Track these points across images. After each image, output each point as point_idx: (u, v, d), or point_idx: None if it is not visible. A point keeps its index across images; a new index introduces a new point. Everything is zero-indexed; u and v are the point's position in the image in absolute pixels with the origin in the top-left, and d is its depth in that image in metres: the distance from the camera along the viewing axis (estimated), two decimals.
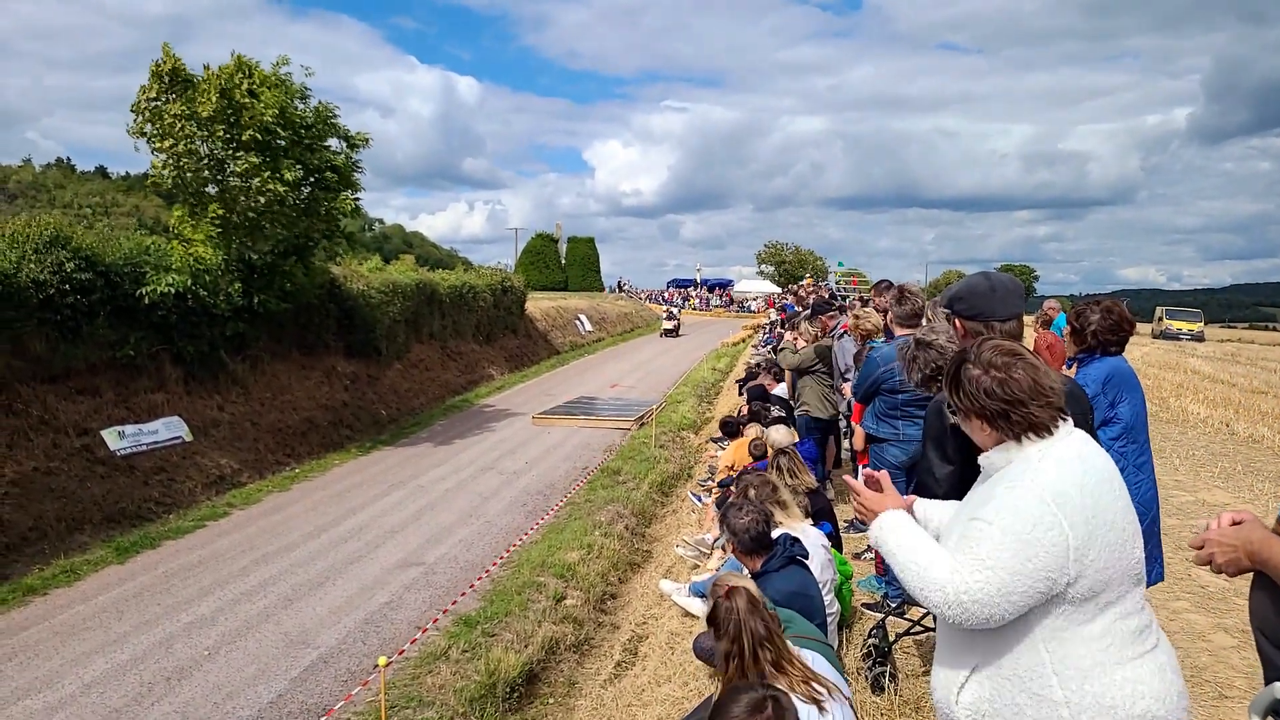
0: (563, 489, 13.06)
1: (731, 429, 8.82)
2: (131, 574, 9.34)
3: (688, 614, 6.59)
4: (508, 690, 6.73)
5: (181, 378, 14.05)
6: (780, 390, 10.74)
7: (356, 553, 10.00)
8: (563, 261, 65.36)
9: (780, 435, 7.41)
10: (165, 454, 12.74)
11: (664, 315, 42.72)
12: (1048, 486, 2.10)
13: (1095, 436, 2.74)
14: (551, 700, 7.02)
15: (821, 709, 2.80)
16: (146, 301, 12.89)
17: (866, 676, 4.58)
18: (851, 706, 3.02)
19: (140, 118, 13.85)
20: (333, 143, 15.49)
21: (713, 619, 3.12)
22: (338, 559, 9.77)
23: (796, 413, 8.37)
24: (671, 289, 69.97)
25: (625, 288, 66.90)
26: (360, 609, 8.35)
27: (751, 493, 4.80)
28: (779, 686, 2.61)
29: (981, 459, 2.33)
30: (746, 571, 4.10)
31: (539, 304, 35.43)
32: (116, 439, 12.10)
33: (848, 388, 6.81)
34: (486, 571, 9.24)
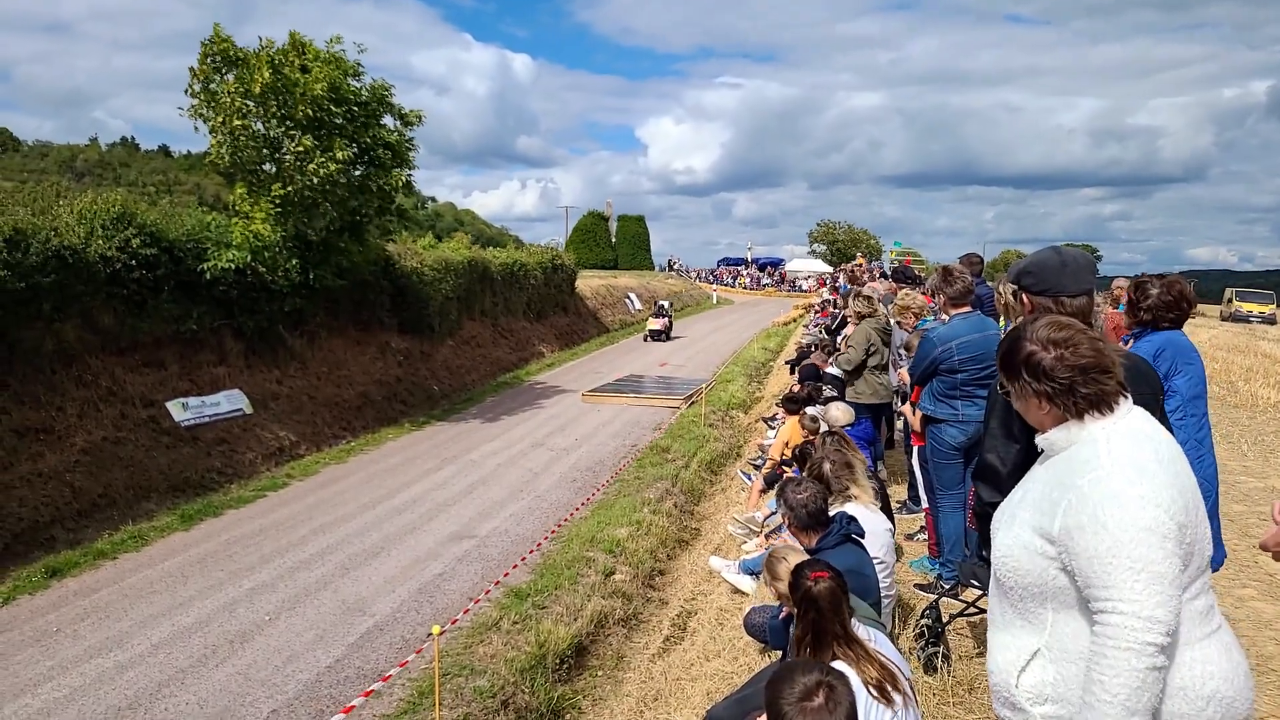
0: (611, 466, 13.11)
1: (795, 404, 8.71)
2: (196, 541, 9.65)
3: (737, 591, 6.57)
4: (557, 662, 6.82)
5: (242, 352, 14.41)
6: (834, 370, 10.60)
7: (410, 525, 10.18)
8: (613, 240, 65.30)
9: (840, 414, 7.29)
10: (227, 426, 13.10)
11: (652, 313, 32.14)
12: (1131, 465, 2.01)
13: (1164, 419, 2.63)
14: (600, 673, 7.09)
15: (886, 697, 2.76)
16: (208, 277, 13.21)
17: (919, 657, 4.51)
18: (911, 689, 2.98)
19: (196, 100, 14.12)
20: (387, 120, 15.64)
21: (794, 596, 3.09)
22: (392, 530, 9.96)
23: (848, 396, 8.23)
24: (722, 267, 69.50)
25: (675, 266, 66.67)
26: (414, 579, 8.50)
27: (827, 467, 4.73)
28: (838, 668, 2.57)
29: (1040, 439, 2.25)
30: (801, 547, 4.06)
31: (589, 282, 35.51)
32: (181, 410, 12.47)
33: (904, 371, 6.67)
34: (537, 546, 9.34)
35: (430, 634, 5.58)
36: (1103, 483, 2.01)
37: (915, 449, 6.08)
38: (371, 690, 6.07)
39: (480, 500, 11.27)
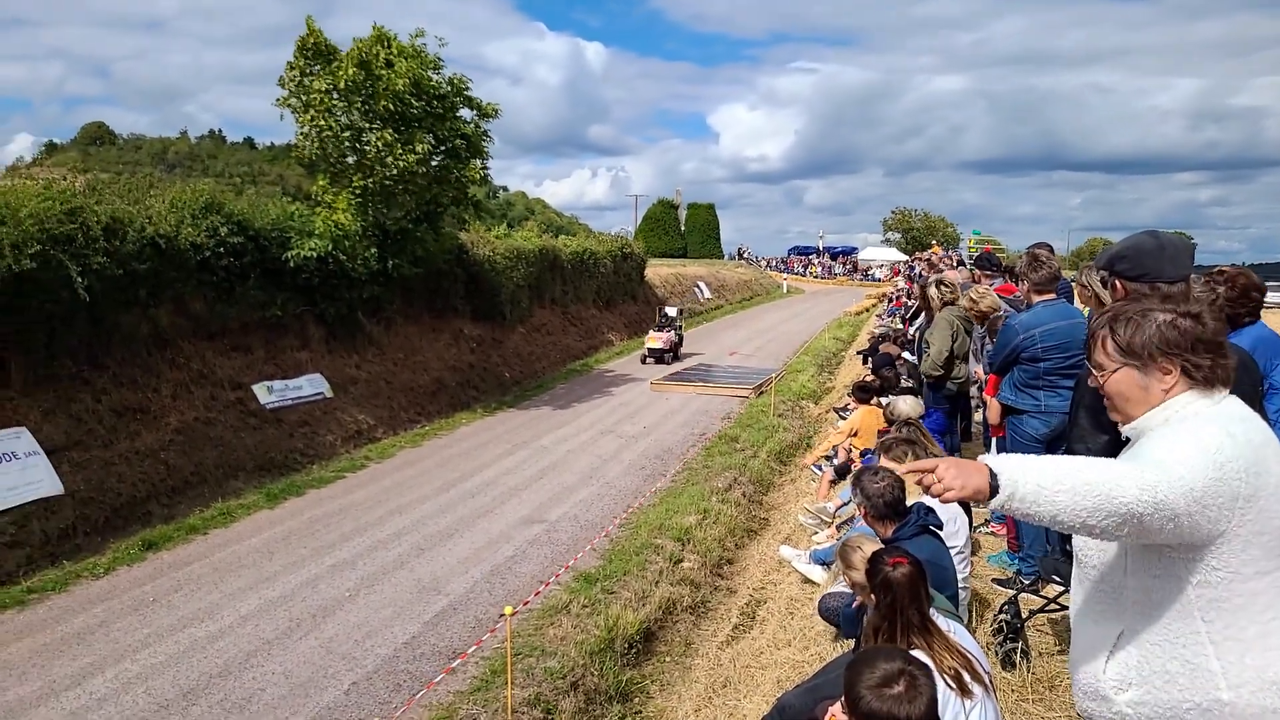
0: (680, 454, 13.13)
1: (866, 393, 8.59)
2: (280, 519, 10.03)
3: (808, 580, 6.53)
4: (626, 646, 6.88)
5: (323, 337, 14.88)
6: (909, 356, 10.42)
7: (483, 508, 10.39)
8: (682, 228, 65.15)
9: (907, 406, 7.18)
10: (309, 409, 13.55)
11: (655, 324, 24.23)
12: (1217, 427, 1.97)
13: (1263, 411, 2.52)
14: (668, 659, 7.13)
15: (964, 688, 2.72)
16: (292, 265, 13.66)
17: (997, 653, 4.43)
18: (991, 682, 2.93)
19: (287, 91, 14.59)
20: (464, 112, 15.90)
21: (872, 582, 3.07)
22: (465, 513, 10.18)
23: (926, 382, 8.07)
24: (793, 256, 68.71)
25: (745, 255, 66.13)
26: (486, 561, 8.68)
27: (910, 453, 4.67)
28: (919, 658, 2.54)
29: (1126, 428, 2.19)
30: (877, 538, 4.02)
31: (658, 271, 35.53)
32: (266, 393, 12.95)
33: (979, 367, 6.51)
34: (606, 531, 9.43)
35: (502, 615, 5.69)
36: (1185, 425, 2.01)
37: (994, 440, 5.94)
38: (450, 668, 6.23)
39: (550, 485, 11.43)
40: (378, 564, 8.55)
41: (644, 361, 22.19)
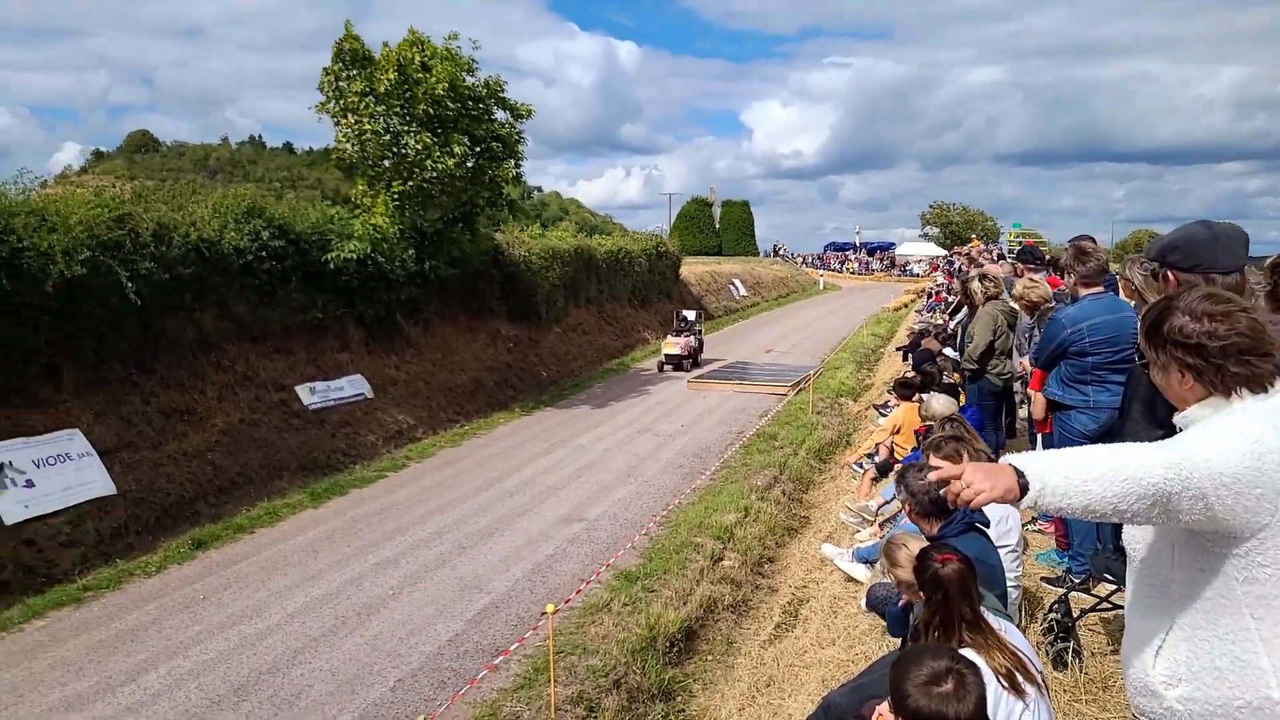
0: (718, 453, 13.09)
1: (907, 390, 8.49)
2: (324, 518, 10.18)
3: (850, 579, 6.48)
4: (668, 644, 6.88)
5: (363, 339, 15.07)
6: (950, 352, 10.28)
7: (522, 506, 10.45)
8: (717, 226, 64.93)
9: (940, 405, 7.07)
10: (350, 409, 13.73)
11: (672, 329, 22.80)
12: (1262, 421, 1.93)
13: None
14: (710, 657, 7.12)
15: (1017, 688, 2.67)
16: (332, 268, 13.85)
17: (1047, 652, 4.35)
18: (1044, 682, 2.87)
19: (325, 96, 14.79)
20: (498, 114, 16.01)
21: (920, 579, 3.03)
22: (505, 512, 10.24)
23: (972, 381, 7.94)
24: (829, 252, 68.15)
25: (781, 252, 65.74)
26: (527, 559, 8.73)
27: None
28: (970, 656, 2.50)
29: (1179, 418, 2.15)
30: (921, 535, 3.96)
31: (693, 269, 35.46)
32: (308, 394, 13.15)
33: (1026, 360, 6.39)
34: (645, 530, 9.43)
35: (544, 612, 5.72)
36: (1228, 416, 1.99)
37: (1040, 436, 5.83)
38: (493, 665, 6.28)
39: (589, 484, 11.46)
40: (420, 562, 8.64)
41: (661, 369, 20.84)
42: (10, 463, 8.69)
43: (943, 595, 2.92)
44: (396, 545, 9.14)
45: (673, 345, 21.07)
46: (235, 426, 11.59)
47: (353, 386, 14.11)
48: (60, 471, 9.07)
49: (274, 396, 12.61)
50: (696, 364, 21.15)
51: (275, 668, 6.51)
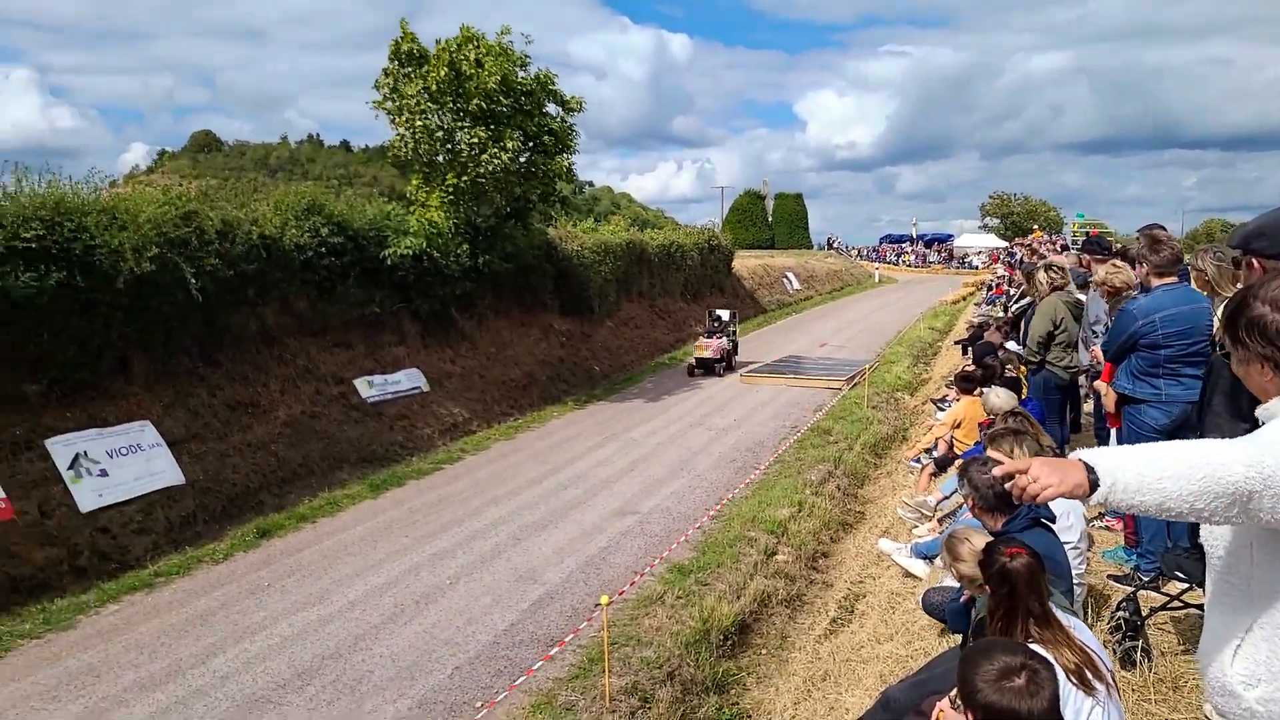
0: (771, 447, 13.00)
1: (968, 383, 8.32)
2: (383, 508, 10.37)
3: (909, 574, 6.38)
4: (721, 638, 6.86)
5: (419, 333, 15.30)
6: (1013, 346, 10.03)
7: (576, 499, 10.51)
8: (769, 219, 64.44)
9: (1000, 399, 6.91)
10: (407, 402, 13.96)
11: (705, 329, 21.12)
12: None
13: None
14: (764, 651, 7.08)
15: (1086, 685, 2.60)
16: (388, 263, 14.09)
17: (1115, 651, 4.23)
18: (1114, 681, 2.79)
19: (382, 94, 15.02)
20: (550, 108, 16.08)
21: (987, 573, 2.97)
22: (559, 504, 10.31)
23: (1035, 373, 7.74)
24: (885, 245, 67.16)
25: (835, 245, 64.98)
26: (581, 551, 8.78)
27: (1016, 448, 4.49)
28: (1041, 652, 2.43)
29: (1260, 410, 2.06)
30: (984, 530, 3.88)
31: (745, 262, 35.24)
32: (367, 388, 13.41)
33: (1096, 348, 6.20)
34: (698, 524, 9.41)
35: (598, 604, 5.74)
36: None
37: (1113, 432, 5.66)
38: (549, 655, 6.33)
39: (641, 478, 11.47)
40: (476, 553, 8.75)
41: (691, 373, 19.07)
42: (85, 453, 9.03)
43: (1010, 590, 2.85)
44: (453, 536, 9.27)
45: (704, 348, 19.31)
46: (297, 419, 11.87)
47: (409, 380, 14.34)
48: (132, 461, 9.39)
49: (334, 390, 12.88)
50: (730, 367, 19.59)
51: (337, 653, 6.66)
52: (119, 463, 9.25)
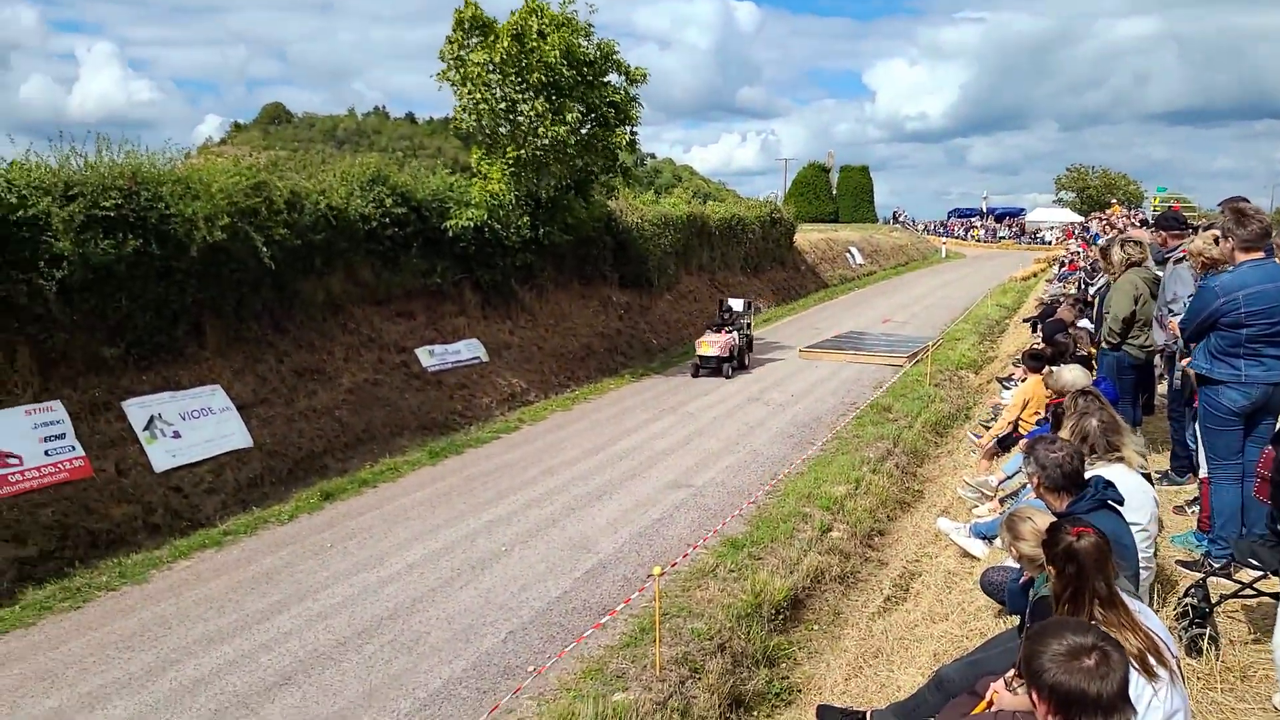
0: (829, 423, 12.84)
1: (1038, 362, 8.06)
2: (441, 475, 10.56)
3: (967, 554, 6.25)
4: (773, 612, 6.84)
5: (479, 304, 15.47)
6: (1085, 324, 9.70)
7: (631, 471, 10.55)
8: (834, 192, 63.31)
9: (1073, 375, 6.67)
10: (466, 372, 14.16)
11: (711, 322, 17.70)
12: None
13: None
14: (816, 627, 7.04)
15: (1148, 670, 2.50)
16: (450, 234, 14.24)
17: (1181, 638, 4.08)
18: (1179, 668, 2.68)
19: (447, 65, 15.09)
20: (613, 79, 15.97)
21: (1049, 554, 2.88)
22: (614, 475, 10.37)
23: (1110, 352, 7.44)
24: (953, 219, 65.45)
25: (901, 219, 63.57)
26: (635, 522, 8.82)
27: (1094, 424, 4.33)
28: (1109, 634, 2.33)
29: None
30: (1047, 510, 3.76)
31: (808, 236, 34.73)
32: (428, 357, 13.63)
33: (1174, 322, 5.92)
34: (753, 498, 9.36)
35: (650, 575, 5.76)
36: None
37: (1187, 411, 5.42)
38: (600, 623, 6.39)
39: (697, 451, 11.45)
40: (531, 521, 8.86)
41: (695, 374, 16.30)
42: (160, 415, 9.38)
43: (1077, 569, 2.75)
44: (509, 504, 9.40)
45: (709, 345, 16.29)
46: (360, 386, 12.14)
47: (469, 350, 14.53)
48: (203, 424, 9.73)
49: (396, 358, 13.13)
50: (743, 366, 16.96)
51: (395, 614, 6.82)
52: (191, 425, 9.59)
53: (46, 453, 8.27)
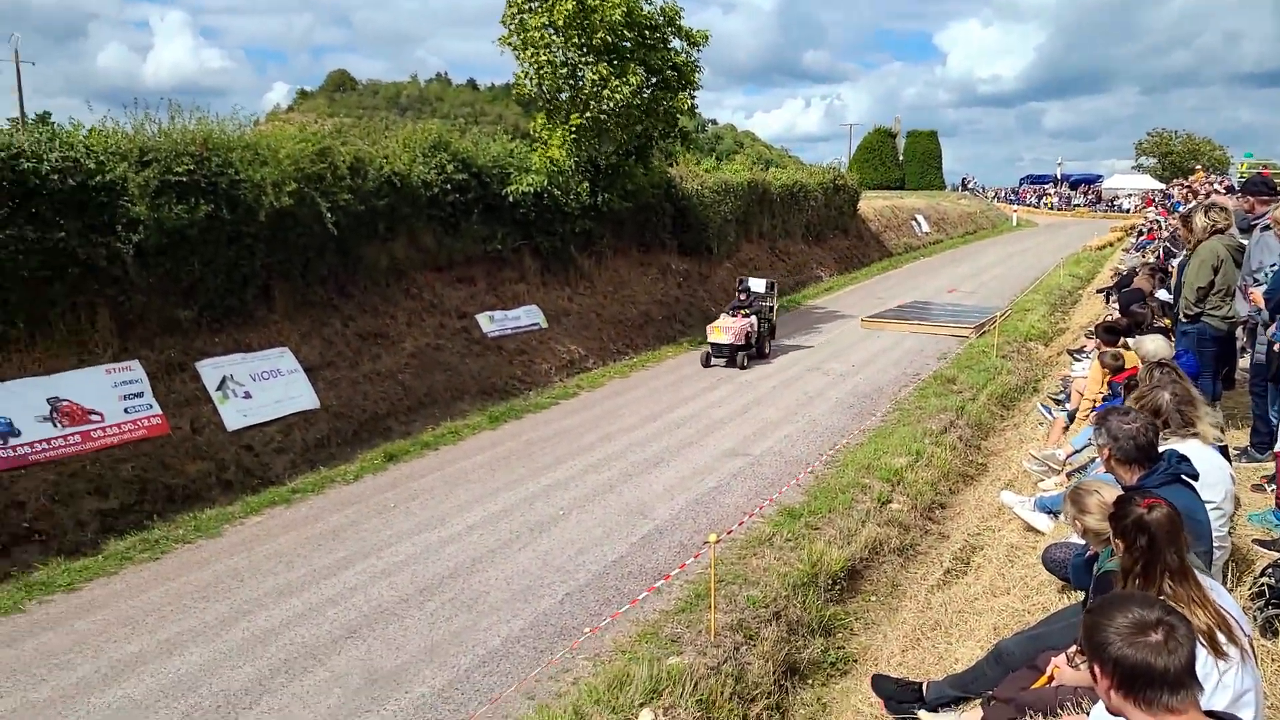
0: (890, 394, 12.64)
1: (1114, 335, 7.77)
2: (501, 439, 10.72)
3: (1030, 529, 6.10)
4: (829, 582, 6.79)
5: (538, 270, 15.55)
6: (1164, 295, 9.31)
7: (688, 439, 10.55)
8: (900, 158, 61.69)
9: (1155, 346, 6.42)
10: (525, 338, 14.29)
11: (729, 305, 15.38)
12: None
13: None
14: (873, 598, 6.98)
15: (1217, 649, 2.40)
16: (510, 200, 14.30)
17: (1255, 619, 3.92)
18: (1251, 648, 2.58)
19: (508, 30, 15.07)
20: (675, 42, 15.76)
21: (1117, 527, 2.78)
22: (671, 443, 10.38)
23: (1190, 324, 7.12)
24: (1025, 186, 63.31)
25: (970, 186, 61.72)
26: (691, 490, 8.84)
27: (1167, 398, 4.17)
28: (1178, 609, 2.25)
29: None
30: (1114, 484, 3.63)
31: (872, 203, 33.99)
32: (488, 323, 13.78)
33: (1257, 293, 5.64)
34: (811, 468, 9.29)
35: (706, 541, 5.76)
36: None
37: (1270, 388, 5.18)
38: (654, 587, 6.44)
39: (754, 420, 11.39)
40: (588, 486, 8.94)
41: (707, 363, 14.53)
42: (232, 375, 9.70)
43: (1149, 540, 2.65)
44: (567, 469, 9.49)
45: (721, 331, 14.40)
46: (422, 350, 12.35)
47: (528, 316, 14.65)
48: (273, 385, 10.03)
49: (457, 324, 13.31)
50: (762, 354, 15.12)
51: (456, 573, 6.98)
52: (261, 386, 9.89)
53: (126, 410, 8.63)
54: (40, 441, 7.93)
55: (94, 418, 8.37)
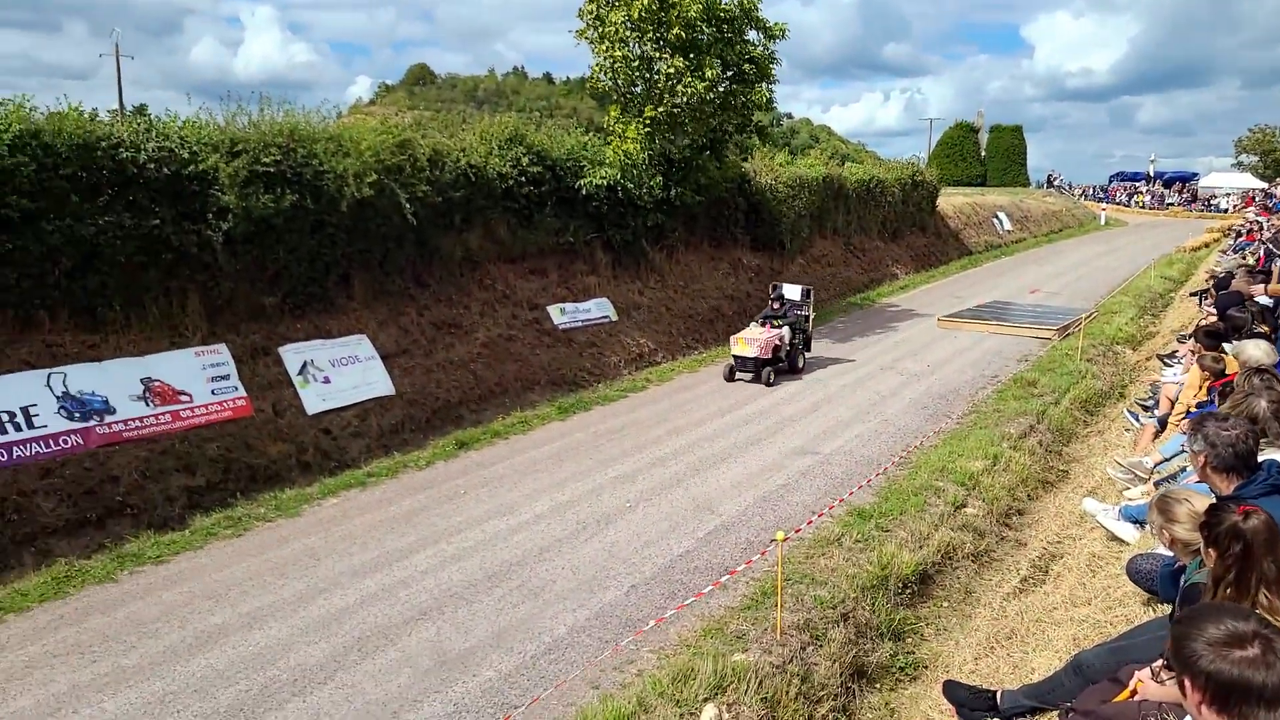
0: (967, 396, 12.30)
1: (1213, 340, 7.42)
2: (569, 430, 10.80)
3: (1114, 538, 5.85)
4: (900, 585, 6.64)
5: (609, 263, 15.61)
6: (1266, 299, 8.84)
7: (756, 435, 10.46)
8: (982, 154, 59.97)
9: (1257, 351, 6.09)
10: (595, 331, 14.37)
11: (760, 315, 14.20)
12: None
13: None
14: (945, 604, 6.80)
15: None
16: (583, 193, 14.38)
17: None
18: None
19: (585, 23, 15.14)
20: (751, 35, 15.61)
21: (1210, 534, 2.65)
22: (739, 439, 10.31)
23: None
24: (1115, 184, 60.83)
25: (1056, 183, 59.60)
26: (759, 487, 8.76)
27: (1264, 405, 3.96)
28: (1274, 622, 2.12)
29: None
30: (1211, 493, 3.45)
31: (952, 200, 33.12)
32: (559, 314, 13.90)
33: None
34: (883, 469, 9.11)
35: (774, 539, 5.69)
36: None
37: None
38: (719, 582, 6.40)
39: (825, 418, 11.23)
40: (656, 480, 8.95)
41: (731, 376, 13.21)
42: (312, 361, 10.00)
43: (1244, 549, 2.51)
44: (635, 462, 9.51)
45: (745, 343, 12.98)
46: (494, 341, 12.53)
47: (599, 309, 14.72)
48: (350, 371, 10.30)
49: (528, 315, 13.46)
50: (794, 369, 13.72)
51: (523, 561, 7.06)
52: (339, 371, 10.17)
53: (213, 392, 8.98)
54: (134, 419, 8.32)
55: (183, 398, 8.74)
